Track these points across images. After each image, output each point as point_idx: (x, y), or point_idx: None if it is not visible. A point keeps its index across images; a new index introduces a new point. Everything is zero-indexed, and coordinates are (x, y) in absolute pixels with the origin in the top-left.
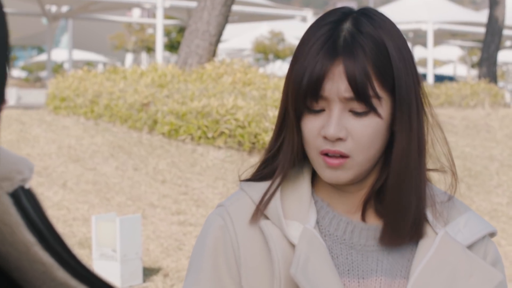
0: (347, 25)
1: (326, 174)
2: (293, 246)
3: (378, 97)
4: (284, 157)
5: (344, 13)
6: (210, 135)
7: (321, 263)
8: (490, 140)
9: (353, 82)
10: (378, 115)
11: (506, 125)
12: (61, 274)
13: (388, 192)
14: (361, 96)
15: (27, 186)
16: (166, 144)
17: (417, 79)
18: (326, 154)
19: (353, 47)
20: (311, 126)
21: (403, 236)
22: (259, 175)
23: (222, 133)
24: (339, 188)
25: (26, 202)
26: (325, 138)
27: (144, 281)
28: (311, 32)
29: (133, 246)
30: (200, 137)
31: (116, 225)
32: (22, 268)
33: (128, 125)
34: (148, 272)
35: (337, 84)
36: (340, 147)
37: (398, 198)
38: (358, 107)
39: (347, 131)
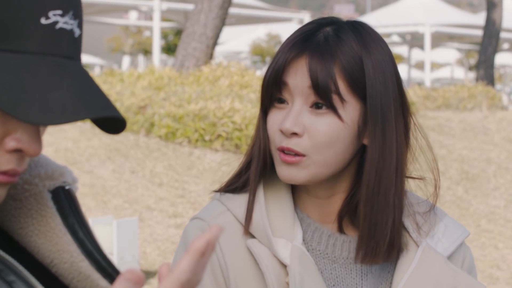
0: (328, 29)
1: (281, 171)
2: (283, 265)
3: (341, 98)
4: (255, 158)
5: (331, 21)
6: (207, 138)
7: (314, 282)
8: (487, 143)
9: (313, 75)
10: (339, 116)
11: (503, 127)
12: (85, 266)
13: (361, 208)
14: (321, 91)
15: (67, 187)
16: (163, 147)
17: (398, 93)
18: (283, 151)
19: (323, 45)
20: (273, 120)
21: (378, 254)
22: (235, 185)
23: (219, 136)
24: (310, 194)
25: (64, 199)
26: (281, 132)
27: None
28: (295, 31)
29: (130, 249)
30: (197, 140)
31: (113, 228)
32: (54, 260)
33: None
34: (145, 275)
35: (299, 76)
36: (295, 145)
37: (371, 214)
38: (319, 103)
39: (304, 127)
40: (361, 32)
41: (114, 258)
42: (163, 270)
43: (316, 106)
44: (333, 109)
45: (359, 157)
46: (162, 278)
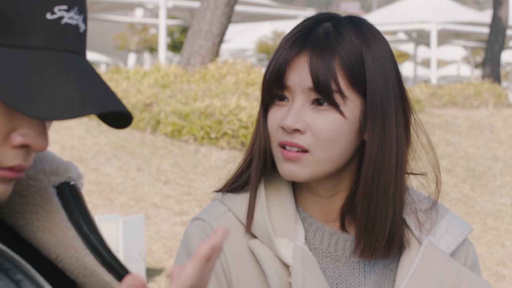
0: (327, 24)
1: (282, 168)
2: (285, 265)
3: (342, 95)
4: (256, 155)
5: (330, 16)
6: (213, 135)
7: (317, 282)
8: (494, 141)
9: (314, 73)
10: (340, 112)
11: (510, 125)
12: (91, 261)
13: (359, 202)
14: (322, 89)
15: (72, 182)
16: (169, 145)
17: (398, 88)
18: (284, 147)
19: (323, 41)
20: (274, 117)
21: (377, 249)
22: (236, 184)
23: (225, 133)
24: (313, 193)
25: (69, 195)
26: (283, 129)
27: (147, 281)
28: (294, 27)
29: (136, 246)
30: (203, 138)
31: (119, 225)
32: (60, 256)
33: (131, 125)
34: (151, 273)
35: (300, 74)
36: (298, 140)
37: (369, 209)
38: (320, 100)
39: (306, 124)
40: (360, 27)
41: (120, 256)
42: (175, 271)
43: (317, 102)
44: (335, 105)
45: (360, 153)
46: (174, 279)
